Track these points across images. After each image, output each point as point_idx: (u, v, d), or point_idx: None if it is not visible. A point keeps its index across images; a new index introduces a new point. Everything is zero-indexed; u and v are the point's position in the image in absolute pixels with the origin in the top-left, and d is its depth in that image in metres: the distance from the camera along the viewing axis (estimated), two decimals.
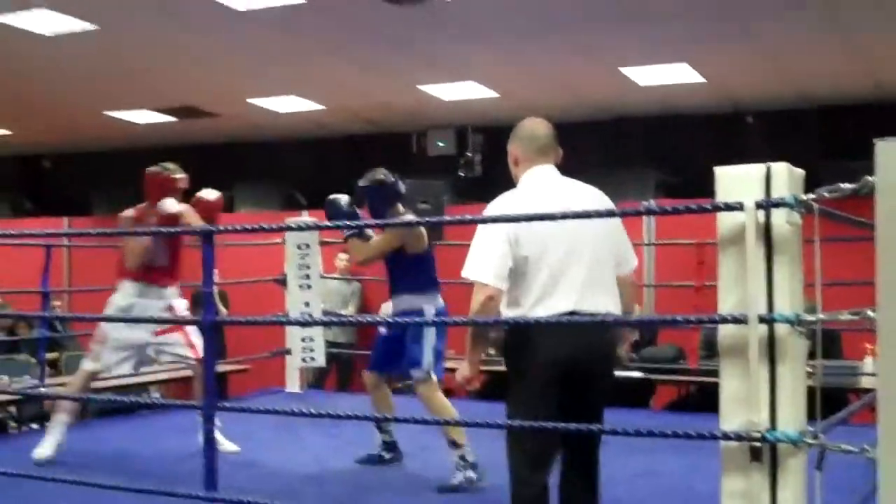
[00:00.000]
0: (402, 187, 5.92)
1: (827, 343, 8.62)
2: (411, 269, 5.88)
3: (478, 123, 12.56)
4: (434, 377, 5.80)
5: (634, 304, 4.24)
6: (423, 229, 5.84)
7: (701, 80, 10.30)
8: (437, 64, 10.02)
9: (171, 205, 6.18)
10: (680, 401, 9.18)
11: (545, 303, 3.74)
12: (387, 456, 6.28)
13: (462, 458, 5.53)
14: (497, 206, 3.93)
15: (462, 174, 12.64)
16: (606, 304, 3.80)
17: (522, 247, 3.75)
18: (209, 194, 6.65)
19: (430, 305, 5.80)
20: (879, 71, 9.96)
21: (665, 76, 10.25)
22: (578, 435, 3.77)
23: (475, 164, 12.59)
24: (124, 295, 6.26)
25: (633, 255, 4.03)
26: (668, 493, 5.55)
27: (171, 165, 6.37)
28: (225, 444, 6.22)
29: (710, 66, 9.90)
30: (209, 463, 4.21)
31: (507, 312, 3.82)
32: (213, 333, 4.41)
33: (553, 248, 3.76)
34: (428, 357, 5.75)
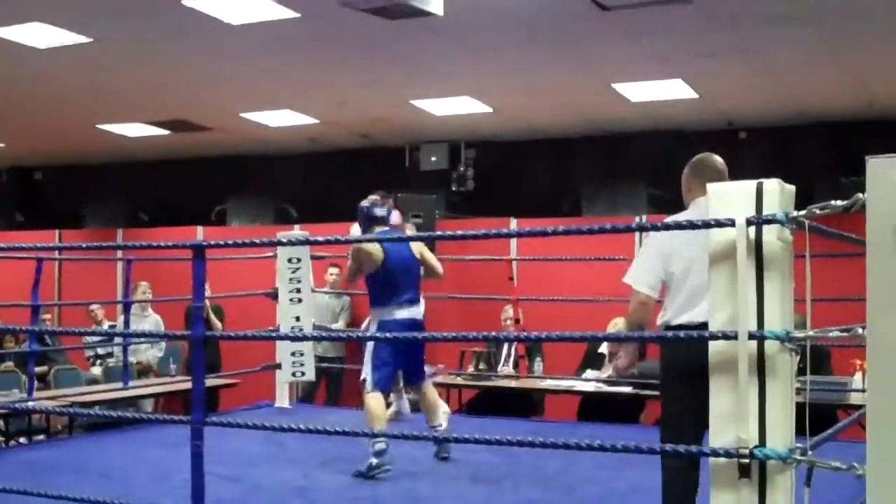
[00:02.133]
0: (376, 211, 6.69)
1: (816, 359, 8.66)
2: (370, 287, 6.73)
3: (471, 138, 12.56)
4: (370, 387, 6.57)
5: None
6: (372, 250, 6.55)
7: (694, 95, 10.31)
8: (431, 79, 10.02)
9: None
10: None
11: (686, 314, 4.28)
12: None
13: (374, 445, 6.29)
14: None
15: (454, 188, 12.65)
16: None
17: (672, 263, 4.35)
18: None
19: (376, 319, 6.66)
20: (873, 88, 9.97)
21: (658, 92, 10.24)
22: None
23: (467, 178, 12.59)
24: None
25: None
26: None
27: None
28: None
29: (704, 82, 9.90)
30: (196, 477, 4.19)
31: (659, 319, 4.43)
32: (202, 348, 4.38)
33: (696, 268, 4.18)
34: (366, 370, 6.62)
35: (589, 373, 9.22)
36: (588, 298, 8.94)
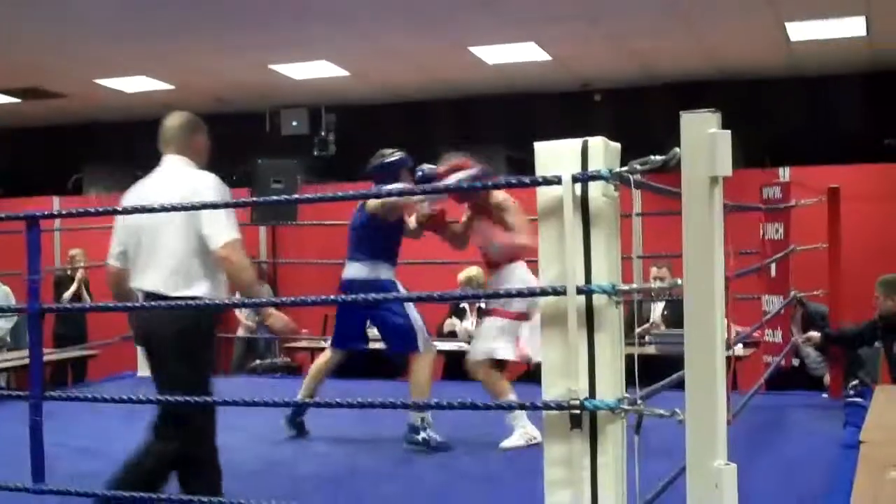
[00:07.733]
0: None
1: (681, 314, 8.91)
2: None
3: (331, 103, 12.52)
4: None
5: (244, 277, 4.38)
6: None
7: (548, 58, 10.44)
8: (288, 43, 9.94)
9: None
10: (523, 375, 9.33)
11: (134, 282, 4.50)
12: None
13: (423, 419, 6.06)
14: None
15: (316, 153, 12.59)
16: (154, 282, 4.38)
17: (122, 236, 4.59)
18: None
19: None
20: (718, 51, 10.23)
21: (513, 55, 10.36)
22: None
23: (329, 143, 12.55)
24: None
25: (217, 233, 4.29)
26: (502, 460, 5.64)
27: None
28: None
29: (557, 44, 10.03)
30: (36, 453, 4.12)
31: None
32: (38, 322, 4.33)
33: (132, 237, 4.49)
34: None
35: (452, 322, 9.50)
36: (437, 261, 8.92)
